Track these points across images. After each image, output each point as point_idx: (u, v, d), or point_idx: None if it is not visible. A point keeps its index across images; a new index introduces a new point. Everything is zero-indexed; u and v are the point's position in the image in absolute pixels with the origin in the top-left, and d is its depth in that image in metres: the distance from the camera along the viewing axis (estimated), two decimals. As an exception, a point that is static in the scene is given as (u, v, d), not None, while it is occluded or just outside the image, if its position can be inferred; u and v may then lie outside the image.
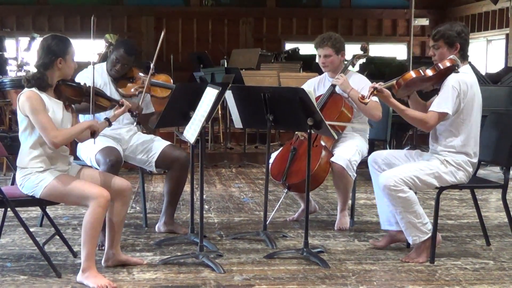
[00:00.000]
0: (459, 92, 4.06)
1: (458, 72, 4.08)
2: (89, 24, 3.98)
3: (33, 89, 3.75)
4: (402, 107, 4.14)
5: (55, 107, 3.80)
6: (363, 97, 4.08)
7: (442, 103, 4.07)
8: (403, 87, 4.09)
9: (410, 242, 4.25)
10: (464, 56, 4.20)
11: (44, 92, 3.78)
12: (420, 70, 4.10)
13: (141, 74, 4.81)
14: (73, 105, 3.97)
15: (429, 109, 4.12)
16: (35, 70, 3.85)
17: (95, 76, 4.59)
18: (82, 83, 3.97)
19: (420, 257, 4.18)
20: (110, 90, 4.70)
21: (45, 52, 3.79)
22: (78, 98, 3.92)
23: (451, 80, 4.07)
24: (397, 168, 4.22)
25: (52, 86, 3.83)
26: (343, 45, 5.15)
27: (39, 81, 3.77)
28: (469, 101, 4.11)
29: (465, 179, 4.22)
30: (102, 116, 4.34)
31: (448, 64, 4.07)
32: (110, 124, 4.01)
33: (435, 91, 4.22)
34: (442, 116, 4.08)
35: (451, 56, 4.11)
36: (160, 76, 4.85)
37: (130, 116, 4.40)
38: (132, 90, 4.76)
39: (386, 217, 4.42)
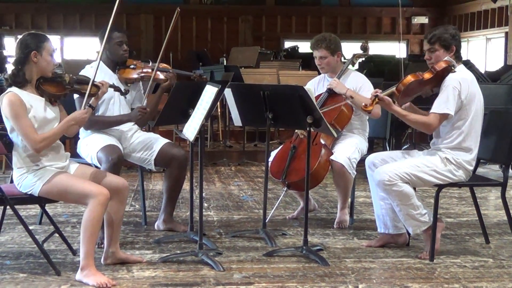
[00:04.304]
0: (460, 91, 4.09)
1: (455, 71, 4.11)
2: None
3: (13, 88, 3.72)
4: (404, 112, 4.18)
5: (37, 105, 3.75)
6: (365, 106, 4.12)
7: (442, 104, 4.09)
8: (403, 93, 4.12)
9: (411, 232, 4.30)
10: (458, 57, 4.25)
11: (24, 90, 3.74)
12: (418, 74, 4.14)
13: (141, 62, 4.92)
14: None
15: (430, 111, 4.14)
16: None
17: (98, 74, 4.62)
18: (65, 75, 3.93)
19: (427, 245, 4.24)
20: (113, 81, 4.72)
21: (20, 47, 3.76)
22: (62, 91, 3.87)
23: (450, 80, 4.10)
24: (393, 163, 4.25)
25: (31, 83, 3.77)
26: (338, 46, 5.14)
27: (15, 78, 3.74)
28: (470, 98, 4.13)
29: (464, 178, 4.23)
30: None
31: (443, 65, 4.12)
32: (94, 109, 3.98)
33: (435, 96, 4.25)
34: (444, 117, 4.11)
35: (446, 58, 4.16)
36: (162, 65, 4.96)
37: (119, 94, 4.44)
38: (135, 75, 4.83)
39: (383, 220, 4.43)
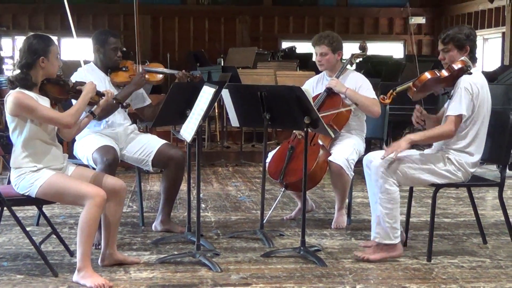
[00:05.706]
0: (472, 94, 4.09)
1: (471, 73, 4.11)
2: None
3: (18, 89, 3.72)
4: (422, 136, 4.19)
5: (44, 103, 3.75)
6: (383, 98, 4.19)
7: (457, 105, 4.09)
8: (419, 89, 4.14)
9: (372, 237, 4.22)
10: (473, 58, 4.23)
11: (30, 91, 3.74)
12: (435, 71, 4.16)
13: (133, 63, 4.90)
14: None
15: (446, 114, 4.15)
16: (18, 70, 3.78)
17: (90, 76, 4.61)
18: (68, 80, 3.94)
19: (374, 255, 4.15)
20: (106, 83, 4.71)
21: (27, 52, 3.74)
22: (64, 96, 3.89)
23: (463, 82, 4.10)
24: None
25: (37, 85, 3.78)
26: (340, 44, 5.15)
27: (23, 82, 3.72)
28: (480, 102, 4.13)
29: (463, 179, 4.22)
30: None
31: (460, 65, 4.12)
32: (95, 116, 4.01)
33: (445, 95, 4.26)
34: (459, 118, 4.10)
35: (462, 58, 4.16)
36: (153, 64, 4.97)
37: (120, 108, 4.44)
38: (127, 77, 4.81)
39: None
